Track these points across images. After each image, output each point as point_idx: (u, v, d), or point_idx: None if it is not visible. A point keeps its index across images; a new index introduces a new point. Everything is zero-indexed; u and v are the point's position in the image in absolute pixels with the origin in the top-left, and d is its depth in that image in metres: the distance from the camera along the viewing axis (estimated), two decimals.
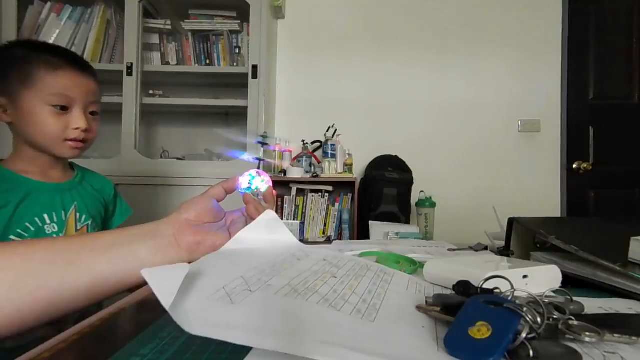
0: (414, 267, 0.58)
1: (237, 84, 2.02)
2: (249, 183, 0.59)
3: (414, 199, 2.03)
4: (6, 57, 0.85)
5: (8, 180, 0.85)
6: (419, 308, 0.37)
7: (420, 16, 2.30)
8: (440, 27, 2.30)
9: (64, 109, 0.85)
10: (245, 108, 1.92)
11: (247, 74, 1.92)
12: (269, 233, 0.50)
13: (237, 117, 2.14)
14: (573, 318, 0.32)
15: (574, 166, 2.26)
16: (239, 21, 2.05)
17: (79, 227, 0.90)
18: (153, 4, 2.08)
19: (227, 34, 2.06)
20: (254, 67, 1.91)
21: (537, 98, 2.28)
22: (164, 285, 0.28)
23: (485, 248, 0.80)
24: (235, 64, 2.06)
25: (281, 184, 2.07)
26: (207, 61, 2.07)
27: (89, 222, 0.92)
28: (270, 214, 0.51)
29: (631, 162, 2.26)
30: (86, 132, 0.88)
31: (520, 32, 2.28)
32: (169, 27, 2.05)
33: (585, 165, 2.25)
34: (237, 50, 2.07)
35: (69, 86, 0.85)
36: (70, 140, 0.86)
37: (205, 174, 1.84)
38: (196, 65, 2.07)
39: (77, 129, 0.86)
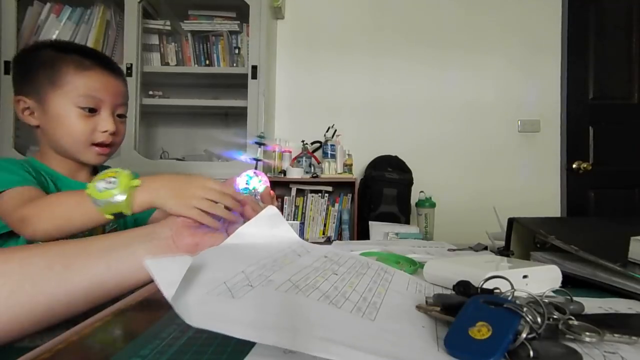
0: (414, 267, 0.58)
1: (237, 84, 2.02)
2: (246, 183, 0.59)
3: (413, 199, 2.03)
4: (35, 58, 0.83)
5: (47, 173, 0.83)
6: (419, 308, 0.37)
7: (419, 17, 2.31)
8: (440, 28, 2.30)
9: (92, 111, 0.82)
10: (245, 108, 1.92)
11: (246, 75, 1.92)
12: (270, 228, 0.50)
13: (236, 117, 2.14)
14: (573, 318, 0.32)
15: (574, 166, 2.26)
16: (239, 22, 2.05)
17: (107, 231, 0.86)
18: (152, 5, 2.08)
19: (227, 35, 2.06)
20: (254, 68, 1.91)
21: (537, 98, 2.28)
22: (166, 276, 0.28)
23: (485, 248, 0.80)
24: (234, 65, 2.06)
25: (281, 185, 2.07)
26: (207, 62, 2.07)
27: (116, 226, 0.89)
28: (272, 210, 0.51)
29: (631, 162, 2.26)
30: (113, 135, 0.85)
31: (520, 32, 2.29)
32: (169, 28, 2.05)
33: (585, 165, 2.25)
34: (236, 51, 2.07)
35: (98, 87, 0.82)
36: (97, 145, 0.84)
37: (205, 175, 1.84)
38: (196, 65, 2.07)
39: (105, 131, 0.83)
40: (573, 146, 2.27)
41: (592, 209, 2.27)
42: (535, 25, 2.29)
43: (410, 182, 2.03)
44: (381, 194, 1.97)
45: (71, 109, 0.80)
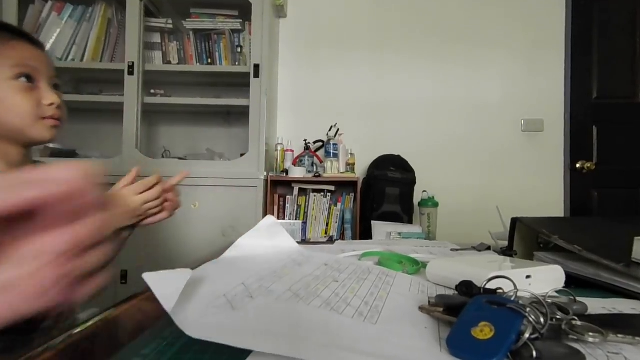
0: (417, 267, 0.58)
1: (239, 83, 2.02)
2: None
3: (416, 198, 2.03)
4: None
5: None
6: (421, 309, 0.37)
7: (423, 15, 2.30)
8: (443, 26, 2.29)
9: (30, 80, 0.75)
10: (247, 107, 1.92)
11: (249, 73, 1.92)
12: (269, 239, 0.50)
13: (239, 116, 2.14)
14: (576, 318, 0.31)
15: (578, 166, 2.25)
16: (241, 20, 2.05)
17: None
18: (154, 3, 2.08)
19: (229, 33, 2.06)
20: (256, 67, 1.91)
21: (541, 97, 2.27)
22: (165, 290, 0.29)
23: (489, 248, 0.80)
24: (237, 63, 2.06)
25: (283, 184, 2.07)
26: (209, 60, 2.07)
27: None
28: (270, 219, 0.51)
29: (635, 162, 2.25)
30: (59, 109, 0.78)
31: (524, 31, 2.28)
32: (171, 26, 2.05)
33: (589, 165, 2.24)
34: (238, 49, 2.07)
35: (28, 56, 0.75)
36: (47, 118, 0.77)
37: (206, 174, 1.84)
38: (198, 64, 2.07)
39: (51, 104, 0.76)
40: (576, 146, 2.26)
41: (595, 208, 2.26)
42: (539, 24, 2.28)
43: (413, 181, 2.03)
44: (384, 194, 1.97)
45: (8, 83, 0.73)
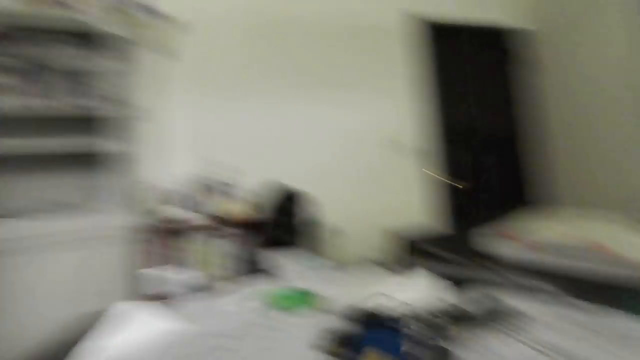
0: (309, 301, 0.60)
1: (121, 126, 1.84)
2: None
3: (313, 226, 2.08)
4: None
5: None
6: (315, 348, 0.38)
7: (309, 61, 2.45)
8: (321, 71, 2.46)
9: None
10: (122, 152, 1.76)
11: (133, 117, 1.77)
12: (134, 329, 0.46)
13: (110, 161, 1.95)
14: (452, 319, 0.36)
15: (451, 182, 2.59)
16: (123, 61, 1.89)
17: None
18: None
19: (109, 74, 1.87)
20: (142, 109, 1.78)
21: (399, 124, 2.58)
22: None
23: (374, 264, 0.85)
24: (118, 106, 1.87)
25: (175, 230, 1.93)
26: (80, 101, 1.84)
27: None
28: (118, 308, 0.48)
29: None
30: None
31: (380, 74, 2.58)
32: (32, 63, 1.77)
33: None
34: (120, 91, 1.89)
35: None
36: None
37: (66, 229, 1.61)
38: (67, 105, 1.81)
39: None
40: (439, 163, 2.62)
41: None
42: (391, 67, 2.61)
43: (310, 211, 2.09)
44: (282, 227, 1.99)
45: None
